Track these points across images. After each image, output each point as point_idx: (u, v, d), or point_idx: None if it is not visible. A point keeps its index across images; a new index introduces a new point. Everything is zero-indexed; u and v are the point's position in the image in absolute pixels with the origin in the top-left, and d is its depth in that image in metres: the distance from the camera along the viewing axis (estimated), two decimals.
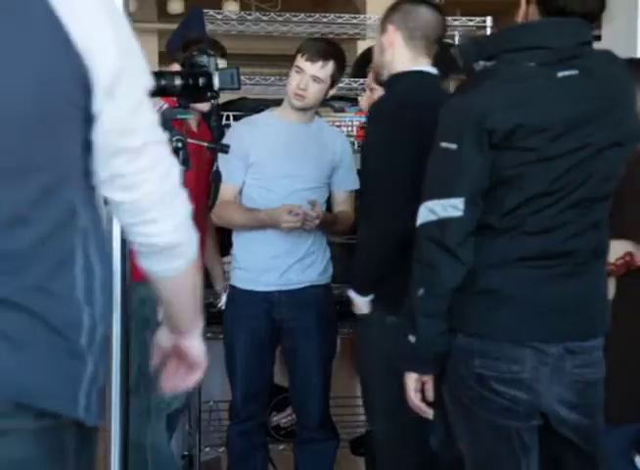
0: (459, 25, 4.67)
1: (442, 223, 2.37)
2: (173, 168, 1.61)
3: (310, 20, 4.39)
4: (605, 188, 2.47)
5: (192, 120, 3.41)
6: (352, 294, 3.03)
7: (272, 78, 4.52)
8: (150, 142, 1.55)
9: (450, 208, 2.37)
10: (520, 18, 2.51)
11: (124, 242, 2.38)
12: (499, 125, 2.32)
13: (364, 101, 3.47)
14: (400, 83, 3.03)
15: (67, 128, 1.47)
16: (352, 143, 4.14)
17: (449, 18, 4.65)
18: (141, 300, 3.16)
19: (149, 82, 1.55)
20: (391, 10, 3.04)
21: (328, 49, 3.60)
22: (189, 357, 1.86)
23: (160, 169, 1.57)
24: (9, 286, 1.45)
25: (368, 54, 4.68)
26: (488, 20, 4.59)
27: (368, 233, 2.96)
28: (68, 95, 1.44)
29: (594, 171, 2.42)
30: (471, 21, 4.63)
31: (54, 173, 1.48)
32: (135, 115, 1.51)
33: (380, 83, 3.19)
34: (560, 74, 2.37)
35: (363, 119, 4.37)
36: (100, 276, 1.56)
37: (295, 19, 4.23)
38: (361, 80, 4.44)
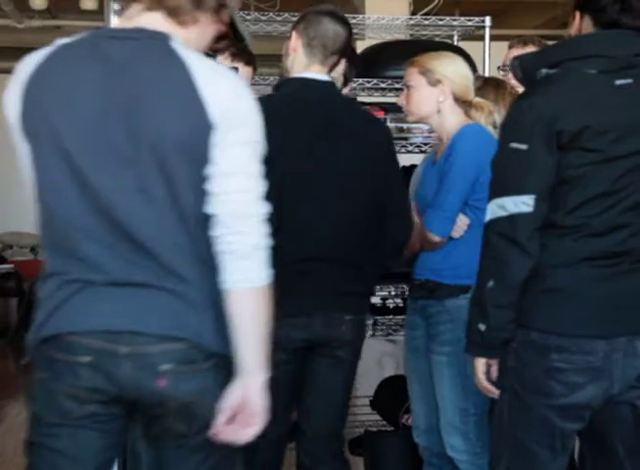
0: (458, 25, 4.67)
1: (513, 218, 2.53)
2: (258, 200, 2.11)
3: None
4: None
5: None
6: None
7: (271, 78, 4.52)
8: (238, 173, 2.08)
9: (521, 204, 2.52)
10: (573, 30, 2.66)
11: None
12: (568, 127, 2.50)
13: (402, 98, 3.48)
14: (284, 87, 3.18)
15: (200, 162, 2.07)
16: None
17: (448, 17, 4.67)
18: None
19: (248, 136, 2.10)
20: (299, 18, 3.21)
21: (350, 33, 3.58)
22: (249, 406, 2.10)
23: (246, 197, 2.09)
24: (195, 276, 2.07)
25: (367, 54, 4.69)
26: (487, 20, 4.59)
27: None
28: (201, 140, 2.06)
29: None
30: (470, 21, 4.63)
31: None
32: (225, 156, 2.07)
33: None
34: (617, 82, 2.55)
35: None
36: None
37: (293, 19, 4.21)
38: (359, 80, 4.43)
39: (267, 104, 3.06)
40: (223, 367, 2.10)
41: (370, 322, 4.94)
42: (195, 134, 2.05)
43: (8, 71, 10.00)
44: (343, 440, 3.35)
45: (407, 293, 4.98)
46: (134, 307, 2.06)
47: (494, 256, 2.58)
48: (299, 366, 3.17)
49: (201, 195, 2.08)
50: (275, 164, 2.95)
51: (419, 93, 3.39)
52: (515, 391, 2.62)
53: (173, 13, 2.13)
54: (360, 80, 4.44)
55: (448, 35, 4.82)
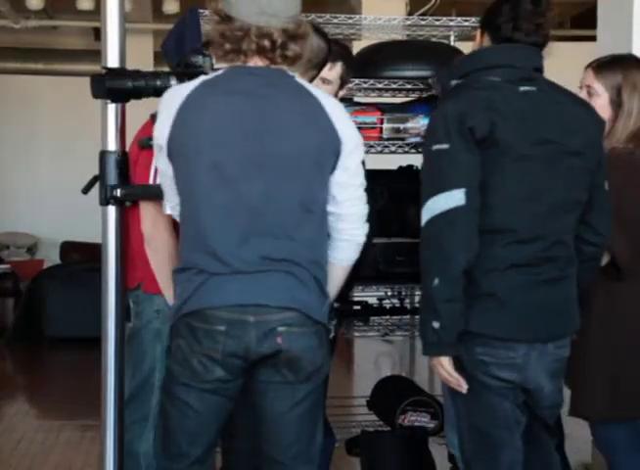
0: (455, 26, 4.67)
1: (448, 214, 2.68)
2: (365, 205, 2.79)
3: (306, 20, 4.37)
4: (573, 196, 2.82)
5: None
6: None
7: None
8: (355, 185, 2.76)
9: (452, 199, 2.68)
10: (476, 46, 2.94)
11: (120, 252, 2.99)
12: (477, 123, 2.70)
13: None
14: None
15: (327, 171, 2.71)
16: None
17: (445, 18, 4.67)
18: (156, 310, 3.29)
19: (362, 155, 2.77)
20: None
21: (336, 50, 3.59)
22: None
23: (359, 202, 2.77)
24: (306, 260, 2.68)
25: (364, 54, 4.69)
26: None
27: None
28: (331, 155, 2.69)
29: (561, 178, 2.78)
30: (466, 21, 4.63)
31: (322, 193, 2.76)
32: (351, 170, 2.73)
33: None
34: (521, 89, 2.80)
35: (359, 119, 4.37)
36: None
37: None
38: (356, 80, 4.43)
39: None
40: (324, 332, 2.74)
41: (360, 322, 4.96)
42: (327, 149, 2.67)
43: (6, 72, 10.04)
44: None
45: (404, 293, 5.00)
46: (257, 286, 2.64)
47: (435, 253, 2.71)
48: None
49: (326, 196, 2.71)
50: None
51: None
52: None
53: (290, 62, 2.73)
54: (357, 81, 4.44)
55: (445, 36, 4.82)
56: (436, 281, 2.70)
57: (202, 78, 2.72)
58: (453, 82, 2.87)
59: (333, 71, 3.57)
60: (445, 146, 2.71)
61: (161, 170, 2.77)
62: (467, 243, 2.69)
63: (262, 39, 2.63)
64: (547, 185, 2.77)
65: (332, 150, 2.68)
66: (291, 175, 2.66)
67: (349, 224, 2.77)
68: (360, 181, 2.77)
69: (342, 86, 3.69)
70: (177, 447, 2.77)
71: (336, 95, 3.69)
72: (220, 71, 2.74)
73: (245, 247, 2.63)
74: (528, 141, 2.75)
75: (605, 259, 3.15)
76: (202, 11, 3.89)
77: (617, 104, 3.26)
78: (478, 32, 2.95)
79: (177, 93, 2.69)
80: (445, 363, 2.78)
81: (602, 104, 3.27)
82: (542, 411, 2.91)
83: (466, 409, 2.84)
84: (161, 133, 2.68)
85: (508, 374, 2.78)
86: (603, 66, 3.32)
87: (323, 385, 2.83)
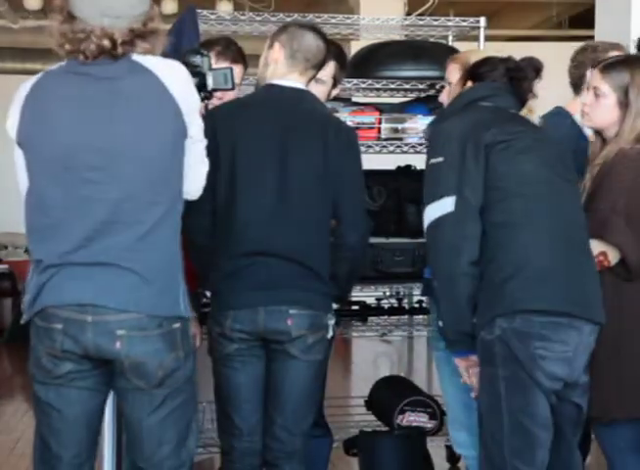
0: (453, 26, 4.68)
1: (438, 222, 2.88)
2: (206, 164, 2.78)
3: (304, 20, 4.38)
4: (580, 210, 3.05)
5: None
6: None
7: None
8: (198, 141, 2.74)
9: (442, 207, 2.87)
10: (459, 90, 3.20)
11: None
12: (480, 136, 2.90)
13: (444, 95, 3.51)
14: (258, 92, 3.36)
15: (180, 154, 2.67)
16: None
17: (443, 18, 4.67)
18: None
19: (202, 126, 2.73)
20: (281, 29, 3.32)
21: (328, 49, 3.59)
22: None
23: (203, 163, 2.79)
24: (155, 253, 2.60)
25: (362, 54, 4.69)
26: (482, 20, 4.59)
27: None
28: (179, 136, 2.63)
29: (567, 188, 2.99)
30: (464, 21, 4.64)
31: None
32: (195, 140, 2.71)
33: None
34: (512, 111, 3.09)
35: (357, 119, 4.38)
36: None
37: (288, 19, 4.23)
38: (354, 80, 4.44)
39: (227, 107, 3.26)
40: (176, 332, 2.62)
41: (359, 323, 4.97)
42: (175, 133, 2.62)
43: (4, 72, 10.04)
44: (304, 439, 3.28)
45: (402, 293, 5.01)
46: (97, 285, 2.57)
47: (431, 257, 2.96)
48: (260, 365, 3.21)
49: (181, 179, 2.66)
50: (227, 163, 3.10)
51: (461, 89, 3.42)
52: (507, 378, 2.86)
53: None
54: (355, 81, 4.44)
55: (443, 36, 4.83)
56: (435, 283, 2.93)
57: (47, 69, 2.71)
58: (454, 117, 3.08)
59: (326, 71, 3.57)
60: (439, 159, 2.92)
61: (16, 162, 2.71)
62: (456, 247, 2.86)
63: (102, 39, 2.58)
64: (558, 180, 2.99)
65: (180, 132, 2.63)
66: (138, 164, 2.58)
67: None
68: (204, 144, 2.76)
69: (334, 85, 3.69)
70: (49, 450, 2.70)
71: (329, 94, 3.69)
72: (64, 63, 2.71)
73: (89, 240, 2.56)
74: (531, 141, 2.99)
75: (615, 259, 3.15)
76: (199, 10, 3.90)
77: (624, 104, 3.26)
78: (469, 82, 3.18)
79: (23, 85, 2.68)
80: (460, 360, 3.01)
81: (609, 104, 3.27)
82: (575, 398, 2.99)
83: (509, 406, 2.86)
84: (11, 125, 2.65)
85: (559, 369, 2.87)
86: (609, 66, 3.31)
87: (188, 385, 2.70)
